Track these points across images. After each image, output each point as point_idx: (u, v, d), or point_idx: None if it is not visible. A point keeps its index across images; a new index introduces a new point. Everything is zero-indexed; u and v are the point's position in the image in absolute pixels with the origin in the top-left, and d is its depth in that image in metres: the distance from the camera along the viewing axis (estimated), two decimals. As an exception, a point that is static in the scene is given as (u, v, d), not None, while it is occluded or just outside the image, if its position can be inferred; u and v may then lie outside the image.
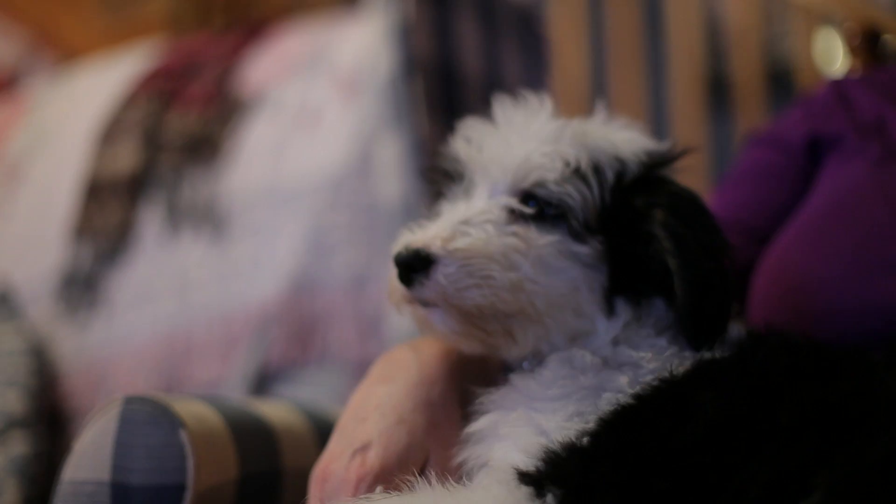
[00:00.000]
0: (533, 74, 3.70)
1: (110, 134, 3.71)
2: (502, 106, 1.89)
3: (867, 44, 3.02)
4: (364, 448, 1.78)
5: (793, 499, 1.39)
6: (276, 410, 2.26)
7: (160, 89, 3.74)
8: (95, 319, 3.47)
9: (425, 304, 1.71)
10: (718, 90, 4.63)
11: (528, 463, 1.59)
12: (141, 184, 3.54)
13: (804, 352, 1.70)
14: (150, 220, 3.48)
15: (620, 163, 1.80)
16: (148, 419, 1.92)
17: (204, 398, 2.13)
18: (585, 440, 1.59)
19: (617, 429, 1.60)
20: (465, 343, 1.79)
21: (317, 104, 3.39)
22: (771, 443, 1.50)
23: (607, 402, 1.66)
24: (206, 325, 3.26)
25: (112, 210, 3.54)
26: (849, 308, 2.04)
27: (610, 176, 1.78)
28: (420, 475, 1.68)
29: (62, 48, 5.80)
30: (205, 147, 3.49)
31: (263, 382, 3.12)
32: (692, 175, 2.16)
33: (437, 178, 1.91)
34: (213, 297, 3.28)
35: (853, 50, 3.03)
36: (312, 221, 3.19)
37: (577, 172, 1.76)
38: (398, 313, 1.82)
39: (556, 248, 1.74)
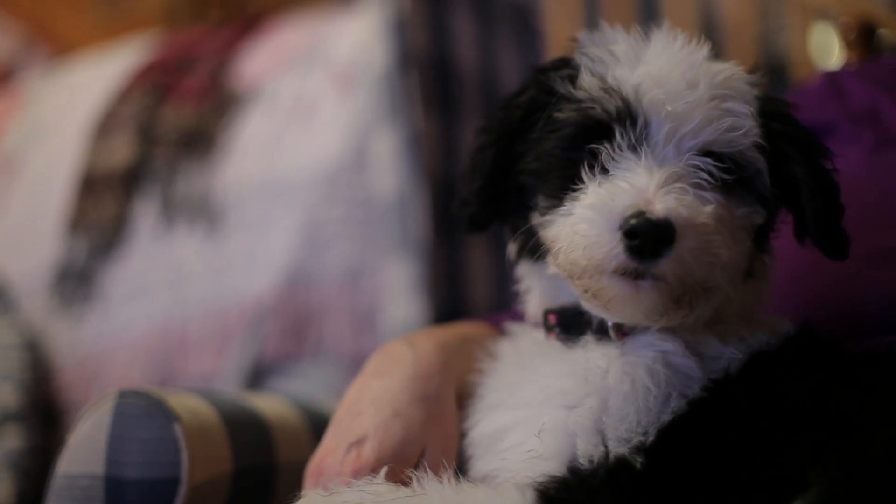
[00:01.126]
0: (528, 68, 3.70)
1: (105, 127, 3.71)
2: (659, 38, 1.76)
3: (863, 38, 3.02)
4: (360, 442, 1.78)
5: (791, 495, 1.40)
6: (270, 404, 2.26)
7: (155, 83, 3.74)
8: (90, 313, 3.47)
9: (639, 276, 1.58)
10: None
11: (556, 475, 1.57)
12: (135, 177, 3.54)
13: (833, 354, 1.71)
14: (145, 214, 3.48)
15: (756, 104, 1.73)
16: (142, 413, 1.92)
17: (198, 392, 2.13)
18: (638, 460, 1.57)
19: (656, 453, 1.59)
20: (648, 318, 1.66)
21: (312, 98, 3.39)
22: (776, 442, 1.52)
23: (672, 411, 1.64)
24: (200, 318, 3.26)
25: (107, 204, 3.54)
26: (844, 296, 2.05)
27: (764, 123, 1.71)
28: (416, 469, 1.68)
29: (57, 42, 5.79)
30: (200, 141, 3.49)
31: (258, 376, 3.12)
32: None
33: (587, 107, 1.69)
34: (208, 290, 3.28)
35: (849, 44, 3.03)
36: (307, 215, 3.18)
37: (760, 131, 1.69)
38: (577, 280, 1.66)
39: (744, 220, 1.69)
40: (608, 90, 1.67)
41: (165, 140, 3.56)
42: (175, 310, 3.32)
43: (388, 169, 3.08)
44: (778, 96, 1.82)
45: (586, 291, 1.65)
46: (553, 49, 4.07)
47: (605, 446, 1.60)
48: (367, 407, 1.83)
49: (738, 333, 1.73)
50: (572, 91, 1.71)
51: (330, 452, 1.80)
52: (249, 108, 3.49)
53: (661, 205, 1.55)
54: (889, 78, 2.38)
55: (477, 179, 1.83)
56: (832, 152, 1.78)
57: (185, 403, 1.99)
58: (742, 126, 1.66)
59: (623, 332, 1.74)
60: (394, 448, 1.77)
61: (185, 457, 1.90)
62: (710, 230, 1.58)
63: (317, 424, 2.25)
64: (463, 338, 2.04)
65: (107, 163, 3.61)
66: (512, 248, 1.89)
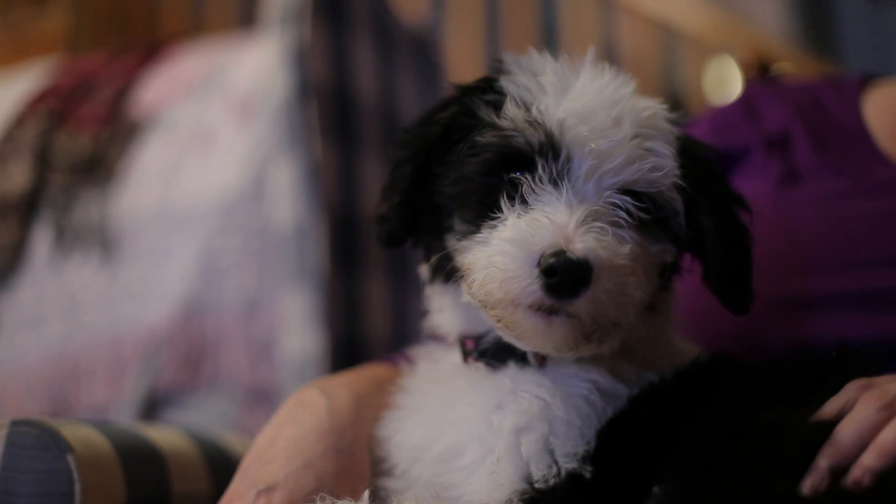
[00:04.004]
0: (429, 100, 3.72)
1: (1, 153, 3.67)
2: (586, 71, 1.77)
3: (761, 73, 3.08)
4: (269, 490, 1.76)
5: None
6: (165, 435, 2.24)
7: (51, 109, 3.71)
8: (-18, 341, 3.43)
9: (553, 312, 1.59)
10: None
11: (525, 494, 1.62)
12: (31, 204, 3.51)
13: (730, 388, 1.73)
14: (40, 241, 3.45)
15: (676, 142, 1.75)
16: (35, 443, 1.90)
17: (92, 423, 2.10)
18: (587, 470, 1.63)
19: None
20: (558, 350, 1.68)
21: (211, 127, 3.37)
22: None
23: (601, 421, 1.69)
24: (95, 348, 3.22)
25: (2, 231, 3.50)
26: (751, 344, 2.07)
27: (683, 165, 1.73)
28: None
29: (-46, 66, 5.73)
30: (96, 168, 3.47)
31: (153, 407, 3.09)
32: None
33: (510, 136, 1.70)
34: (103, 319, 3.25)
35: (748, 80, 3.09)
36: (204, 244, 3.17)
37: (679, 172, 1.71)
38: (491, 310, 1.67)
39: (658, 258, 1.71)
40: (533, 122, 1.68)
41: (61, 167, 3.53)
42: (69, 339, 3.29)
43: (287, 199, 3.07)
44: (698, 140, 1.85)
45: (499, 321, 1.66)
46: (453, 80, 4.10)
47: (557, 464, 1.64)
48: (278, 455, 1.81)
49: (653, 361, 1.77)
50: (495, 119, 1.71)
51: (238, 497, 1.78)
52: (147, 135, 3.48)
53: (582, 244, 1.56)
54: (803, 103, 2.40)
55: (395, 195, 1.83)
56: (746, 203, 1.82)
57: (79, 434, 1.96)
58: (663, 167, 1.68)
59: (542, 357, 1.76)
60: (304, 499, 1.75)
61: (78, 488, 1.87)
62: (626, 272, 1.60)
63: (212, 456, 2.25)
64: (376, 386, 2.02)
65: (2, 189, 3.58)
66: (425, 268, 1.89)
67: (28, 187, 3.53)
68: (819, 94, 2.41)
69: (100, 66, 3.91)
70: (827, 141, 2.29)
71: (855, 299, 2.02)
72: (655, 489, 1.50)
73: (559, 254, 1.55)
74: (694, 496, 1.46)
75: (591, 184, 1.65)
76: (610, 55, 5.10)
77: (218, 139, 3.33)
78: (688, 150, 1.76)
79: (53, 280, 3.38)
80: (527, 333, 1.65)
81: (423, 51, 3.85)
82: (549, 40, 5.10)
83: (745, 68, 3.50)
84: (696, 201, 1.73)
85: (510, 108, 1.71)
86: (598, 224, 1.60)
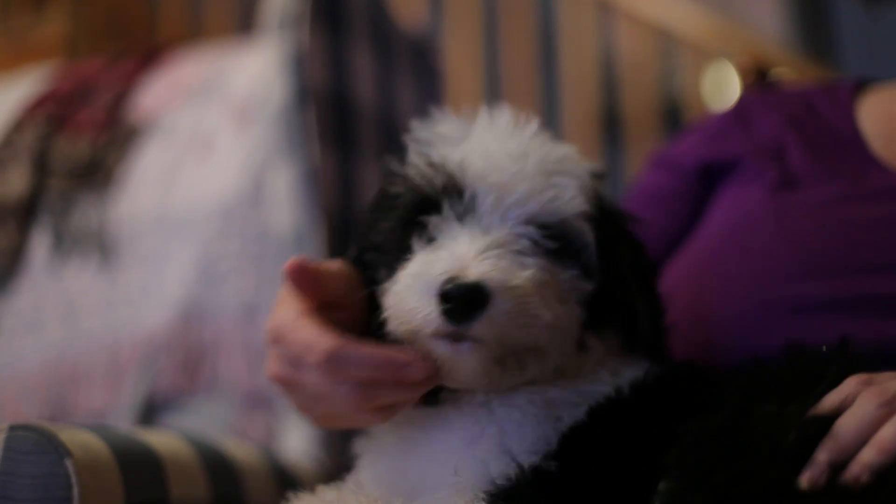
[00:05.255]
0: (427, 106, 3.72)
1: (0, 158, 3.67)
2: (483, 117, 1.85)
3: (759, 78, 3.07)
4: None
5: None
6: (163, 440, 2.24)
7: (50, 114, 3.71)
8: (-20, 347, 3.42)
9: (457, 338, 1.64)
10: (611, 125, 4.69)
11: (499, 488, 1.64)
12: (29, 209, 3.51)
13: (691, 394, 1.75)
14: (39, 246, 3.45)
15: (589, 187, 1.80)
16: (33, 448, 1.90)
17: (91, 427, 2.10)
18: (552, 465, 1.64)
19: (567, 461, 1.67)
20: (477, 380, 1.71)
21: (209, 132, 3.37)
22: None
23: (566, 425, 1.71)
24: (93, 353, 3.22)
25: (0, 236, 3.50)
26: (745, 349, 2.07)
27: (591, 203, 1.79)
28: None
29: (-47, 71, 5.72)
30: (95, 173, 3.47)
31: (151, 412, 3.09)
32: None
33: (416, 183, 1.78)
34: (101, 324, 3.25)
35: (747, 86, 3.09)
36: (203, 249, 3.16)
37: (591, 205, 1.77)
38: (411, 346, 1.70)
39: (570, 284, 1.75)
40: (434, 166, 1.76)
41: (59, 172, 3.53)
42: (68, 343, 3.28)
43: (285, 204, 3.08)
44: (615, 206, 1.91)
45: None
46: (451, 86, 4.10)
47: (517, 462, 1.66)
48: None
49: (600, 377, 1.80)
50: (401, 168, 1.81)
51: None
52: (146, 140, 3.47)
53: (476, 270, 1.61)
54: (796, 110, 2.39)
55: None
56: (657, 270, 1.93)
57: (78, 439, 1.96)
58: (566, 196, 1.74)
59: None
60: None
61: (76, 493, 1.87)
62: (525, 292, 1.64)
63: (210, 461, 2.25)
64: None
65: (1, 194, 3.58)
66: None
67: (26, 192, 3.53)
68: (813, 101, 2.41)
69: (98, 71, 3.91)
70: (821, 147, 2.28)
71: (851, 305, 2.02)
72: (662, 485, 1.51)
73: (453, 279, 1.60)
74: (693, 489, 1.47)
75: (496, 216, 1.71)
76: (608, 60, 5.11)
77: (216, 144, 3.33)
78: (605, 214, 1.83)
79: (52, 285, 3.38)
80: (442, 364, 1.68)
81: (421, 56, 3.85)
82: (548, 46, 5.11)
83: (744, 73, 3.51)
84: (625, 279, 1.81)
85: (413, 157, 1.81)
86: (498, 251, 1.66)
